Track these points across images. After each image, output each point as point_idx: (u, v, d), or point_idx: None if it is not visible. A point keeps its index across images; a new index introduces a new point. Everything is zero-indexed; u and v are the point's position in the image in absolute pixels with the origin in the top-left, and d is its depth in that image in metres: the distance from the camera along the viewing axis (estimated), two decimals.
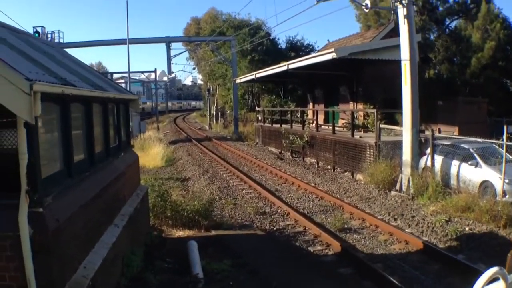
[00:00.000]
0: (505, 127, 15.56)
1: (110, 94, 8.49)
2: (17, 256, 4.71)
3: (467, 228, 12.42)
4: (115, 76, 77.20)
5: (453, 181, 15.95)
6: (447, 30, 35.14)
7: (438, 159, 16.73)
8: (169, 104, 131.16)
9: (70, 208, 5.61)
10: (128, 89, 36.49)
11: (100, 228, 7.06)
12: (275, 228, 14.02)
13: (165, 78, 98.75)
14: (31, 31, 31.23)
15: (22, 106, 4.36)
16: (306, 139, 27.05)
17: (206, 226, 13.37)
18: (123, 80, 75.04)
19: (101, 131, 8.45)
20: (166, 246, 11.03)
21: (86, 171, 6.86)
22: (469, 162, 15.50)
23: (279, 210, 15.90)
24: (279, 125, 33.92)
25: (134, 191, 10.65)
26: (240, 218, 15.08)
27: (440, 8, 34.87)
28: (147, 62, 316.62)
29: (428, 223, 13.24)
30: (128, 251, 8.37)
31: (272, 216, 15.23)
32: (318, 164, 25.67)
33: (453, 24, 35.90)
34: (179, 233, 12.80)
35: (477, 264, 9.89)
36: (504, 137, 15.26)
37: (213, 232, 13.21)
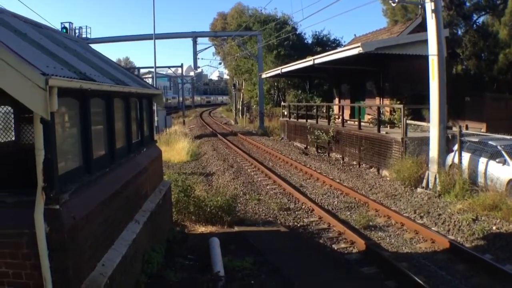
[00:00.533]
0: None
1: (132, 89, 8.40)
2: (33, 254, 4.66)
3: (494, 227, 12.14)
4: (142, 71, 77.90)
5: (481, 179, 15.60)
6: (474, 25, 34.67)
7: (466, 156, 16.39)
8: (198, 98, 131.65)
9: (88, 205, 5.54)
10: (155, 84, 36.79)
11: (120, 224, 7.00)
12: (299, 225, 13.89)
13: (191, 73, 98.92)
14: (59, 27, 31.64)
15: (37, 102, 4.27)
16: (332, 134, 26.82)
17: (229, 222, 13.31)
18: (150, 75, 75.63)
19: (123, 126, 8.36)
20: (188, 242, 10.98)
21: (106, 167, 6.77)
22: (497, 160, 15.11)
23: (303, 206, 15.76)
24: (304, 120, 33.75)
25: (157, 186, 10.59)
26: (263, 214, 15.00)
27: (467, 4, 34.52)
28: (174, 57, 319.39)
29: (454, 221, 12.98)
30: (149, 248, 8.32)
31: (296, 212, 15.11)
32: (343, 159, 25.44)
33: (481, 19, 35.50)
34: (201, 229, 12.77)
35: (505, 265, 9.67)
36: None
37: (236, 228, 13.13)
